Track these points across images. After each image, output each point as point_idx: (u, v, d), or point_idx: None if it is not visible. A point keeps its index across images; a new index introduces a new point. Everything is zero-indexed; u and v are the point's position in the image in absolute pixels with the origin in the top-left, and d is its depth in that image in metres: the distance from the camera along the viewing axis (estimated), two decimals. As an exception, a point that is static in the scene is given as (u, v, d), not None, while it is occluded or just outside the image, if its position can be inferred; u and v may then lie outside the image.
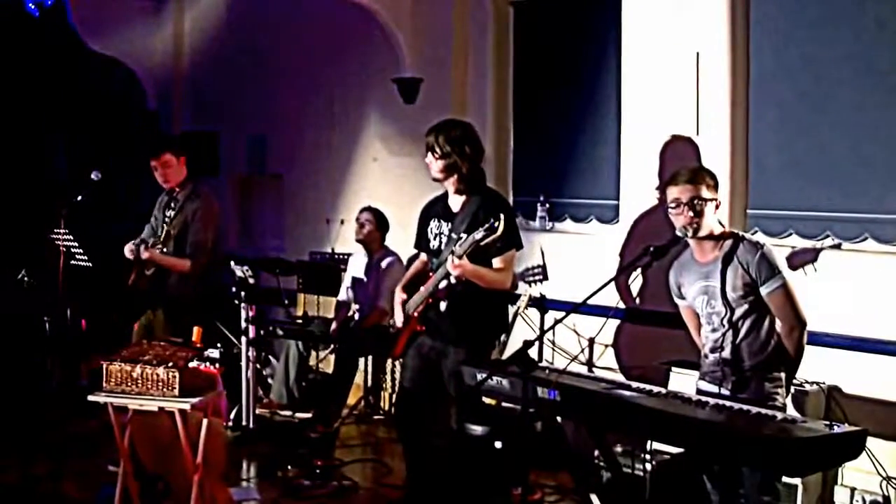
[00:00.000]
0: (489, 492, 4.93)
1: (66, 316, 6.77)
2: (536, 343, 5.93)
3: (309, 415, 7.09)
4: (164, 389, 4.59)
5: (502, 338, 5.84)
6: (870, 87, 4.98)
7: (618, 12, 6.10)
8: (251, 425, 6.80)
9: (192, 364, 4.82)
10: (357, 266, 7.41)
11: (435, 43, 7.38)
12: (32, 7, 9.06)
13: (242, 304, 6.84)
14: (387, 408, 7.36)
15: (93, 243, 6.66)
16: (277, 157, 9.23)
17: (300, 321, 7.62)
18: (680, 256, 4.28)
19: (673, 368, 5.30)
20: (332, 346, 7.39)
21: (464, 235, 4.64)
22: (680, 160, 5.58)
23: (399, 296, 4.99)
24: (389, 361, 7.29)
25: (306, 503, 5.53)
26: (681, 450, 4.23)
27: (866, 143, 5.00)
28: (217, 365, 5.03)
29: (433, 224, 4.97)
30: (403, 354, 5.03)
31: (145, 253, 5.88)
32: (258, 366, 7.17)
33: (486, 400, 5.26)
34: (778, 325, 4.02)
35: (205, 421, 4.71)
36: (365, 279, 7.29)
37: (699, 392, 4.15)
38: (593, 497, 4.72)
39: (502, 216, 4.47)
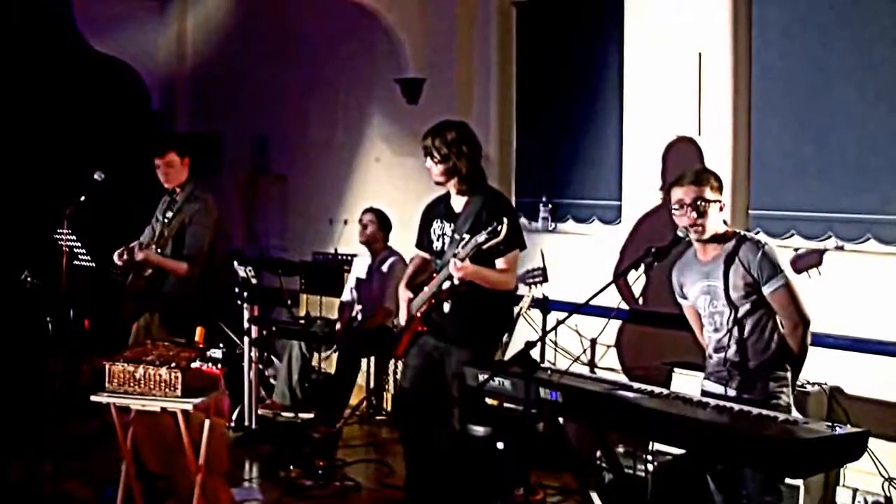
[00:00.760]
0: (491, 492, 4.93)
1: (69, 316, 6.78)
2: (538, 344, 5.93)
3: (311, 415, 7.09)
4: (167, 390, 4.60)
5: (504, 338, 5.85)
6: (872, 87, 4.98)
7: (620, 13, 6.10)
8: (253, 426, 6.81)
9: (195, 364, 4.82)
10: (361, 267, 7.42)
11: (438, 43, 7.39)
12: None
13: (245, 305, 6.85)
14: (389, 408, 7.37)
15: (95, 244, 6.66)
16: (281, 158, 9.24)
17: (303, 322, 7.63)
18: (682, 256, 4.28)
19: (675, 369, 5.30)
20: (335, 346, 7.39)
21: (466, 236, 4.64)
22: (683, 161, 5.58)
23: (404, 294, 4.98)
24: (392, 362, 7.29)
25: (308, 503, 5.54)
26: (682, 451, 4.23)
27: (869, 144, 5.00)
28: (219, 365, 5.03)
29: (436, 225, 4.97)
30: (406, 354, 5.03)
31: (140, 254, 5.79)
32: (261, 366, 7.18)
33: (488, 400, 5.26)
34: (781, 323, 4.02)
35: (207, 421, 4.71)
36: (368, 280, 7.30)
37: (704, 392, 4.15)
38: (594, 496, 4.72)
39: (505, 220, 4.46)
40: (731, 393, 4.03)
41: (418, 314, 4.88)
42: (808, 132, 5.25)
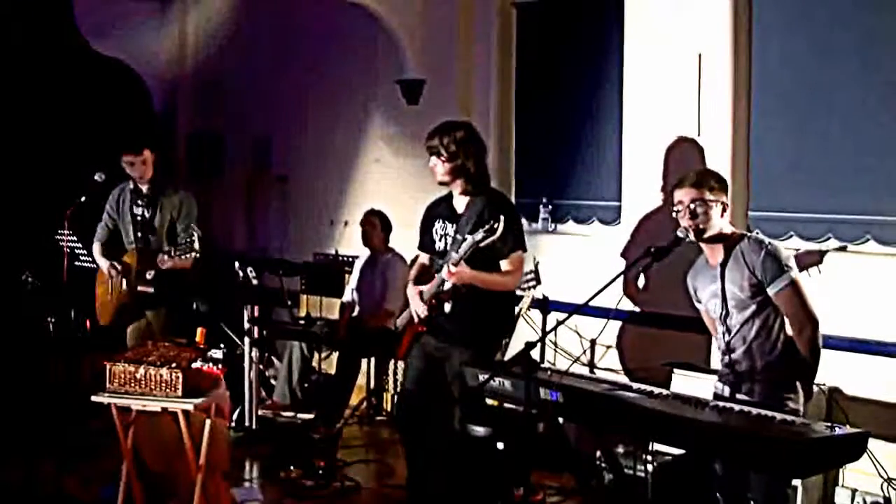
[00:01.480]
0: (491, 493, 4.94)
1: (70, 317, 6.78)
2: (538, 344, 5.93)
3: (311, 416, 7.10)
4: (168, 390, 4.61)
5: (505, 339, 5.86)
6: (872, 88, 4.99)
7: (620, 13, 6.11)
8: (254, 426, 6.82)
9: (196, 365, 4.83)
10: (362, 268, 7.42)
11: (438, 44, 7.40)
12: None
13: (246, 305, 6.86)
14: (389, 409, 7.37)
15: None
16: (282, 159, 9.25)
17: (303, 322, 7.64)
18: (696, 262, 4.28)
19: (675, 370, 5.31)
20: (335, 347, 7.39)
21: (468, 237, 4.65)
22: (684, 162, 5.59)
23: (413, 290, 4.96)
24: (392, 362, 7.30)
25: (309, 503, 5.55)
26: (682, 451, 4.24)
27: (868, 145, 5.01)
28: (220, 366, 5.04)
29: (438, 225, 4.97)
30: (407, 355, 5.04)
31: (168, 263, 5.81)
32: (261, 367, 7.19)
33: (489, 401, 5.27)
34: (788, 325, 3.99)
35: (208, 421, 4.72)
36: (369, 280, 7.31)
37: (715, 395, 4.14)
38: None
39: (502, 217, 4.47)
40: (739, 396, 4.02)
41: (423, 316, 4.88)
42: (808, 133, 5.26)
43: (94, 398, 4.70)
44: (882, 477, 4.74)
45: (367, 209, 7.43)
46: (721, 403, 3.83)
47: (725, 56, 5.53)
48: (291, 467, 5.97)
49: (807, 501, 4.79)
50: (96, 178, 5.95)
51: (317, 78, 8.71)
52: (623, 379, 5.36)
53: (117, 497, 4.84)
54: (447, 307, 4.83)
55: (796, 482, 4.68)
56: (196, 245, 5.62)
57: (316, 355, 7.54)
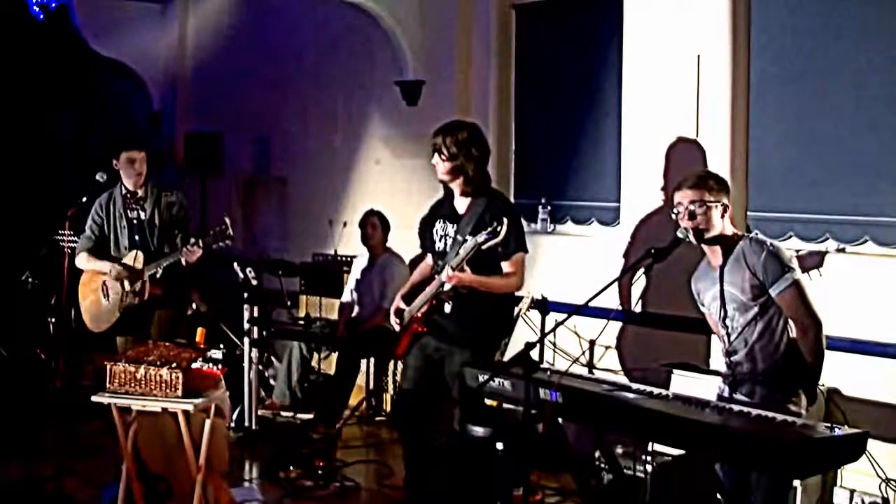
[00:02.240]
0: (490, 493, 4.95)
1: (70, 317, 6.78)
2: (538, 345, 5.94)
3: (311, 416, 7.11)
4: (168, 390, 4.61)
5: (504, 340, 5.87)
6: (870, 89, 5.00)
7: (619, 14, 6.11)
8: (253, 426, 6.83)
9: (196, 365, 4.84)
10: (360, 268, 7.43)
11: (437, 46, 7.40)
12: (36, 10, 9.09)
13: (245, 306, 6.87)
14: (389, 409, 7.38)
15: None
16: (281, 160, 9.25)
17: (302, 323, 7.65)
18: (699, 266, 4.28)
19: (674, 370, 5.32)
20: (335, 347, 7.40)
21: (469, 238, 4.66)
22: (683, 163, 5.60)
23: (397, 303, 5.01)
24: (391, 363, 7.31)
25: (308, 503, 5.56)
26: (681, 451, 4.25)
27: (866, 146, 5.02)
28: (220, 366, 5.05)
29: (438, 226, 4.98)
30: (406, 354, 5.05)
31: (198, 253, 5.71)
32: (260, 367, 7.19)
33: (488, 401, 5.28)
34: (791, 327, 3.98)
35: (207, 422, 4.72)
36: (368, 281, 7.32)
37: (719, 397, 4.15)
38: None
39: (506, 220, 4.48)
40: (741, 398, 4.02)
41: (418, 314, 4.90)
42: (806, 134, 5.27)
43: (94, 398, 4.71)
44: (880, 477, 4.75)
45: (367, 209, 7.44)
46: (721, 404, 3.84)
47: (724, 57, 5.54)
48: (291, 467, 5.98)
49: (806, 502, 4.80)
50: (97, 178, 5.94)
51: (316, 79, 8.72)
52: (622, 379, 5.36)
53: (117, 497, 4.84)
54: (447, 308, 4.84)
55: (795, 483, 4.69)
56: (230, 231, 5.57)
57: (315, 355, 7.55)
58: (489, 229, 4.48)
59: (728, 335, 4.08)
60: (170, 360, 4.69)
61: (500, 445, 4.85)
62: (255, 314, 6.93)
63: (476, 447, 4.95)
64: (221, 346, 7.10)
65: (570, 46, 6.63)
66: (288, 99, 9.04)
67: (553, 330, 4.86)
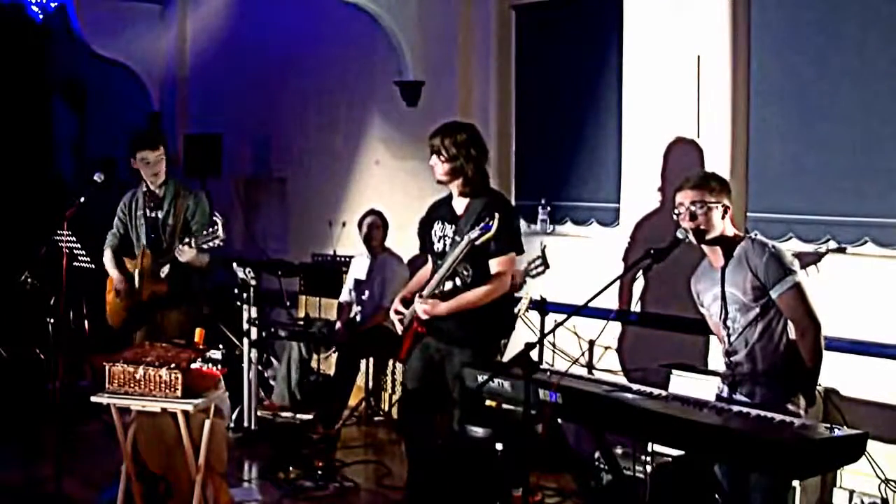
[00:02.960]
0: (490, 494, 4.95)
1: (69, 317, 6.78)
2: (537, 345, 5.94)
3: (310, 416, 7.11)
4: (167, 391, 4.61)
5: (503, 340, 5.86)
6: (871, 89, 5.00)
7: (619, 15, 6.12)
8: (253, 426, 6.83)
9: (195, 365, 4.84)
10: (359, 267, 7.43)
11: (437, 46, 7.41)
12: (35, 11, 9.09)
13: (244, 306, 6.87)
14: (388, 409, 7.38)
15: (96, 245, 6.67)
16: (280, 160, 9.25)
17: (302, 323, 7.65)
18: (699, 267, 4.28)
19: (673, 371, 5.32)
20: (334, 347, 7.40)
21: (465, 237, 4.66)
22: (683, 163, 5.60)
23: (395, 307, 5.01)
24: (390, 363, 7.31)
25: (308, 504, 5.57)
26: (681, 452, 4.25)
27: (867, 147, 5.02)
28: (219, 366, 5.05)
29: (437, 227, 4.97)
30: (408, 357, 5.04)
31: (188, 254, 5.64)
32: (260, 367, 7.19)
33: (488, 402, 5.27)
34: (791, 328, 3.99)
35: (207, 422, 4.73)
36: (367, 280, 7.32)
37: (718, 397, 4.15)
38: None
39: (497, 215, 4.47)
40: (741, 398, 4.03)
41: (418, 315, 4.89)
42: (807, 135, 5.27)
43: (93, 398, 4.71)
44: (880, 478, 4.75)
45: (363, 211, 7.44)
46: (720, 404, 3.83)
47: (724, 58, 5.54)
48: (290, 468, 5.99)
49: (805, 502, 4.80)
50: (95, 178, 5.94)
51: (316, 79, 8.72)
52: (622, 380, 5.37)
53: (116, 497, 4.84)
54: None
55: (795, 483, 4.69)
56: (220, 232, 5.56)
57: (315, 356, 7.55)
58: (481, 225, 4.48)
59: (728, 336, 4.08)
60: (169, 360, 4.69)
61: (499, 446, 4.85)
62: (255, 315, 6.92)
63: (476, 448, 4.95)
64: (221, 346, 7.09)
65: (570, 46, 6.64)
66: (288, 99, 9.04)
67: (553, 331, 4.86)
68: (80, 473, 5.68)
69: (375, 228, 7.26)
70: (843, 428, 3.55)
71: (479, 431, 4.92)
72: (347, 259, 7.82)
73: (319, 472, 5.89)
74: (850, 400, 4.98)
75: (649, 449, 5.11)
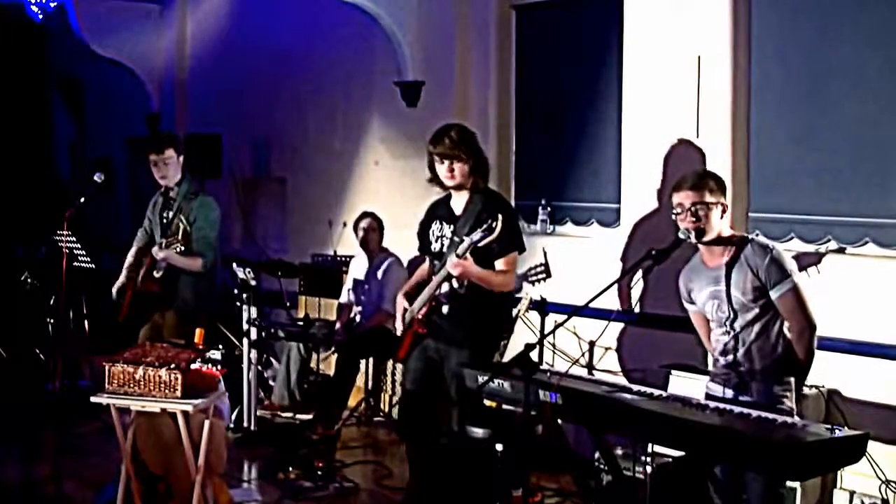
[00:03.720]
0: (490, 494, 4.94)
1: (69, 317, 6.79)
2: (537, 346, 5.94)
3: (310, 416, 7.10)
4: (167, 391, 4.61)
5: (503, 341, 5.86)
6: (871, 90, 5.00)
7: (619, 15, 6.11)
8: (252, 427, 6.82)
9: (195, 366, 4.84)
10: (358, 269, 7.43)
11: (437, 46, 7.40)
12: (34, 11, 9.09)
13: (244, 306, 6.86)
14: (387, 410, 7.38)
15: (95, 245, 6.67)
16: (280, 160, 9.25)
17: (301, 323, 7.64)
18: (689, 261, 4.29)
19: (673, 371, 5.31)
20: (334, 348, 7.39)
21: (466, 238, 4.66)
22: (683, 164, 5.59)
23: (401, 303, 5.00)
24: (390, 364, 7.31)
25: (307, 505, 5.57)
26: (681, 453, 4.25)
27: (868, 147, 5.02)
28: (219, 367, 5.04)
29: (435, 227, 4.97)
30: (408, 357, 5.04)
31: (161, 253, 5.82)
32: (259, 368, 7.19)
33: (487, 402, 5.27)
34: (787, 328, 4.02)
35: (206, 422, 4.72)
36: (365, 281, 7.31)
37: (708, 396, 4.15)
38: None
39: (500, 216, 4.47)
40: (736, 396, 4.04)
41: (418, 316, 4.89)
42: (807, 135, 5.27)
43: (93, 399, 4.70)
44: (880, 479, 4.75)
45: (360, 212, 7.43)
46: (720, 405, 3.83)
47: (725, 58, 5.53)
48: (290, 468, 5.97)
49: (805, 503, 4.79)
50: (95, 178, 5.95)
51: (316, 79, 8.71)
52: (622, 380, 5.36)
53: (116, 498, 4.84)
54: (445, 308, 4.84)
55: (795, 485, 4.69)
56: (179, 235, 5.66)
57: (314, 356, 7.55)
58: (484, 226, 4.48)
59: (726, 334, 4.09)
60: (168, 360, 4.68)
61: (499, 446, 4.84)
62: (254, 315, 6.92)
63: (475, 448, 4.94)
64: (220, 346, 7.09)
65: (570, 47, 6.63)
66: (287, 100, 9.03)
67: (553, 331, 4.87)
68: (79, 474, 5.67)
69: (371, 231, 7.25)
70: (844, 429, 3.55)
71: (479, 432, 4.92)
72: (347, 259, 7.81)
73: (319, 473, 5.88)
74: (850, 401, 4.98)
75: (649, 450, 5.10)
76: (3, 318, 7.82)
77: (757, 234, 5.32)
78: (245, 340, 6.94)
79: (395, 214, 7.34)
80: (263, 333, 7.13)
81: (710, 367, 4.28)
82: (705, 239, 4.06)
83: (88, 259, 6.91)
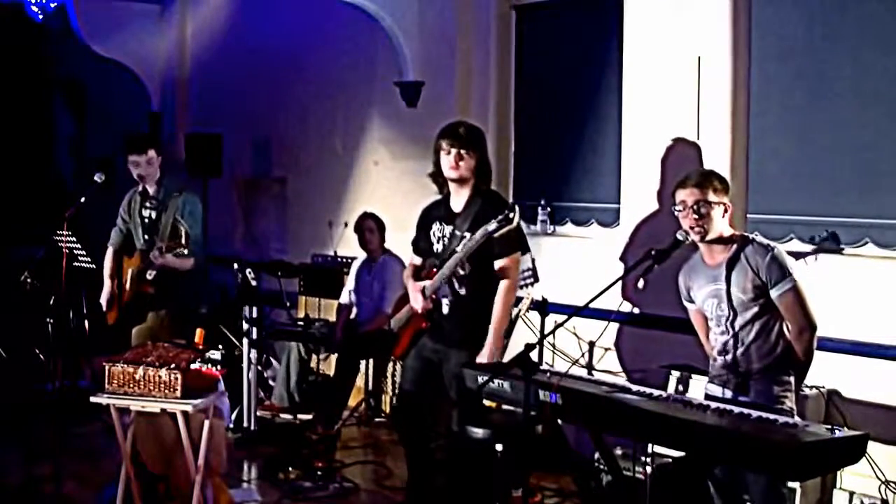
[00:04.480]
0: (489, 494, 4.94)
1: (69, 318, 6.78)
2: (537, 346, 5.93)
3: (310, 417, 7.11)
4: (167, 391, 4.61)
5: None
6: (871, 91, 5.00)
7: (619, 16, 6.11)
8: (252, 427, 6.82)
9: (194, 366, 4.84)
10: (359, 270, 7.42)
11: (437, 47, 7.40)
12: (35, 11, 9.09)
13: (244, 307, 6.86)
14: (388, 410, 7.38)
15: (96, 245, 6.67)
16: (280, 161, 9.25)
17: (302, 324, 7.64)
18: (689, 260, 4.29)
19: (673, 371, 5.31)
20: (334, 348, 7.39)
21: (467, 234, 4.65)
22: (683, 164, 5.59)
23: (414, 285, 4.92)
24: (390, 364, 7.30)
25: (307, 505, 5.57)
26: (681, 453, 4.24)
27: (867, 148, 5.02)
28: (219, 367, 5.04)
29: (435, 227, 4.97)
30: (405, 355, 5.04)
31: (160, 260, 5.84)
32: (259, 368, 7.19)
33: (487, 403, 5.27)
34: (787, 328, 4.02)
35: (206, 422, 4.72)
36: (367, 282, 7.31)
37: (707, 396, 4.16)
38: None
39: (517, 208, 4.46)
40: (735, 396, 4.04)
41: (420, 310, 4.87)
42: (807, 136, 5.27)
43: (93, 399, 4.71)
44: (880, 479, 4.75)
45: (361, 212, 7.43)
46: (721, 406, 3.83)
47: (724, 59, 5.53)
48: (290, 468, 5.98)
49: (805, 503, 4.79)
50: (95, 178, 5.95)
51: (316, 79, 8.71)
52: (622, 381, 5.36)
53: (116, 498, 4.84)
54: (445, 308, 4.84)
55: (795, 485, 4.69)
56: (182, 241, 5.66)
57: (314, 357, 7.54)
58: (500, 217, 4.45)
59: (725, 333, 4.09)
60: (169, 360, 4.69)
61: (499, 447, 4.84)
62: (255, 315, 6.92)
63: (475, 448, 4.94)
64: (220, 346, 7.09)
65: (571, 47, 6.63)
66: (288, 100, 9.03)
67: (553, 331, 4.86)
68: (79, 474, 5.67)
69: (370, 232, 7.24)
70: (844, 429, 3.55)
71: (478, 432, 4.91)
72: (348, 260, 7.81)
73: (319, 473, 5.89)
74: (850, 401, 4.98)
75: (649, 450, 5.10)
76: (3, 318, 7.82)
77: (756, 234, 5.32)
78: (245, 340, 6.94)
79: (395, 215, 7.34)
80: (263, 333, 7.13)
81: (710, 368, 4.28)
82: (706, 239, 4.06)
83: (88, 259, 6.90)
